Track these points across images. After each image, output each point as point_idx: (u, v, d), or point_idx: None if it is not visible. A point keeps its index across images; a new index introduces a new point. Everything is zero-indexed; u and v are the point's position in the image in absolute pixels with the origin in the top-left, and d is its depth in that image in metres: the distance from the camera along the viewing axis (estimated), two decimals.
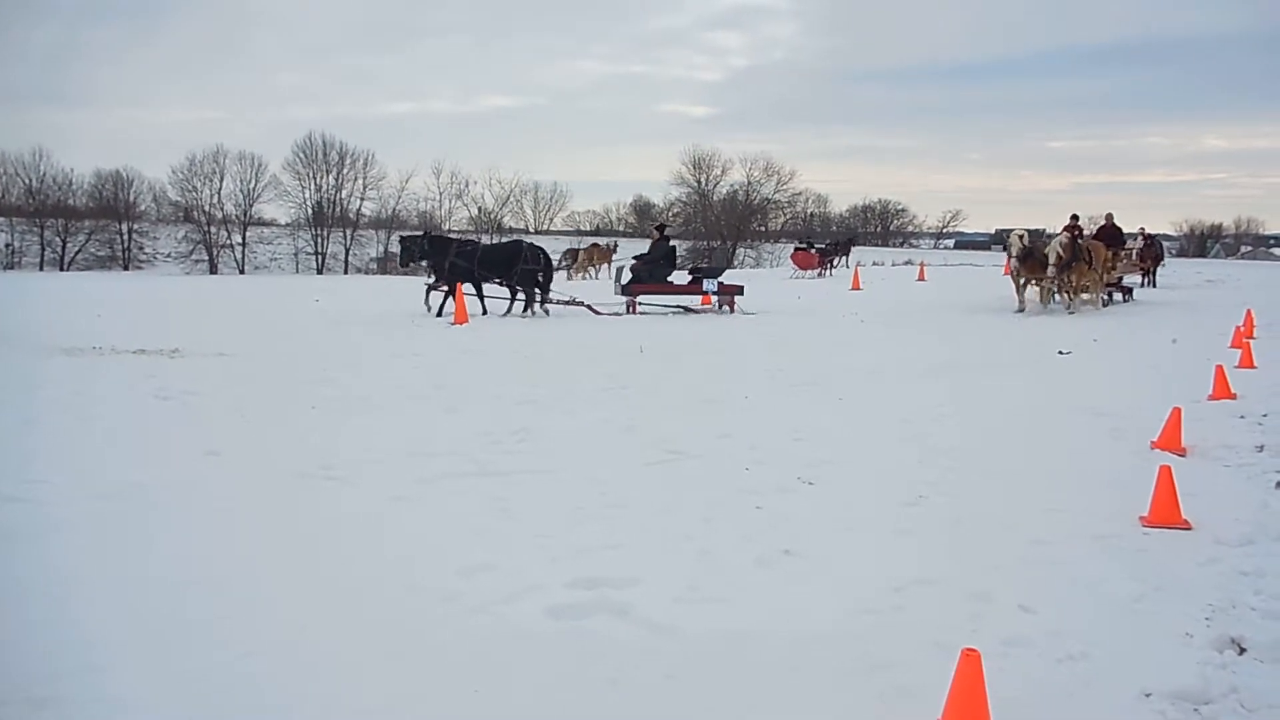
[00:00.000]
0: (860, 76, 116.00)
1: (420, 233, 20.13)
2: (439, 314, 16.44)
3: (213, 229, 61.81)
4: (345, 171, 65.99)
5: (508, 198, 73.01)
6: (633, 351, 12.17)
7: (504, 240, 20.85)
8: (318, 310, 18.07)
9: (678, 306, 17.89)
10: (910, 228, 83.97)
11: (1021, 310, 17.45)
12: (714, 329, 15.28)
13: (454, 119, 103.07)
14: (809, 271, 33.20)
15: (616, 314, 17.14)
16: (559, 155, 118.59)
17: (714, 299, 18.07)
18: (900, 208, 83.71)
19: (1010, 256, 17.89)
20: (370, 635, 3.83)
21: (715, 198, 72.75)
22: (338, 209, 66.19)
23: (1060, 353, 12.29)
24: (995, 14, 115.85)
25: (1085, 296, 18.14)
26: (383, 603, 4.15)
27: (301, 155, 65.32)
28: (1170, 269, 33.65)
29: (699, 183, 73.20)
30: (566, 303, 17.50)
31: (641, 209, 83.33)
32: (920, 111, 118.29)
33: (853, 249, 43.77)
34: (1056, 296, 18.30)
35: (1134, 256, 24.07)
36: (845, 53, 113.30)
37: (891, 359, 11.86)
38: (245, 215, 63.64)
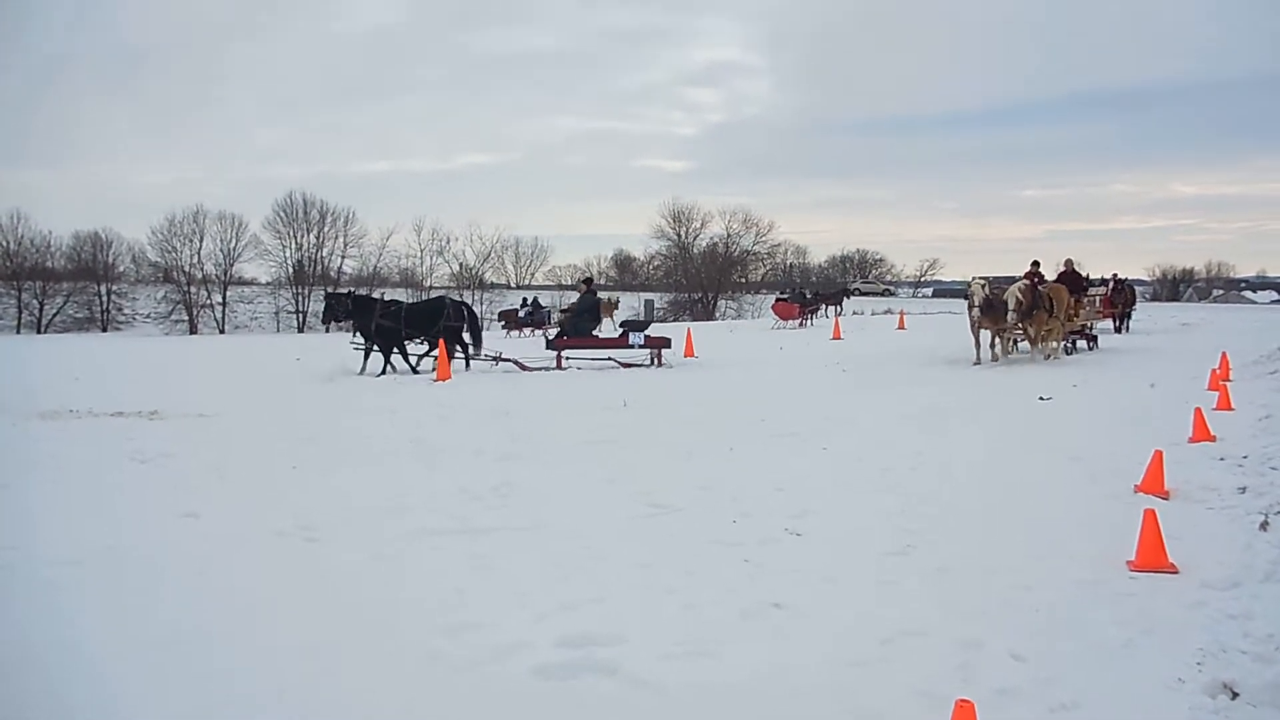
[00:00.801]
0: (833, 130, 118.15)
1: (345, 291, 20.26)
2: (361, 372, 16.44)
3: (192, 289, 61.76)
4: (326, 230, 66.38)
5: (489, 254, 73.46)
6: (614, 405, 12.14)
7: (427, 298, 20.97)
8: (299, 369, 17.98)
9: (607, 359, 17.61)
10: (889, 276, 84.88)
11: (979, 363, 16.67)
12: (692, 380, 15.28)
13: (433, 176, 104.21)
14: (790, 321, 33.44)
15: (545, 369, 16.93)
16: (539, 210, 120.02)
17: (644, 352, 17.81)
18: (878, 257, 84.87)
19: (972, 306, 16.91)
20: (353, 699, 3.75)
21: (695, 250, 73.40)
22: (319, 267, 66.36)
23: (1041, 398, 12.35)
24: (958, 67, 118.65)
25: (1052, 345, 17.63)
26: (365, 664, 4.06)
27: (282, 214, 65.69)
28: (1145, 313, 34.08)
29: (679, 235, 73.92)
30: (494, 359, 17.36)
31: (623, 262, 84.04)
32: (892, 163, 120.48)
33: (845, 300, 44.42)
34: (1020, 345, 17.78)
35: (1098, 302, 23.37)
36: (817, 107, 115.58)
37: (872, 407, 11.88)
38: (225, 275, 63.70)
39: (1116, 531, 5.66)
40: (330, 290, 21.55)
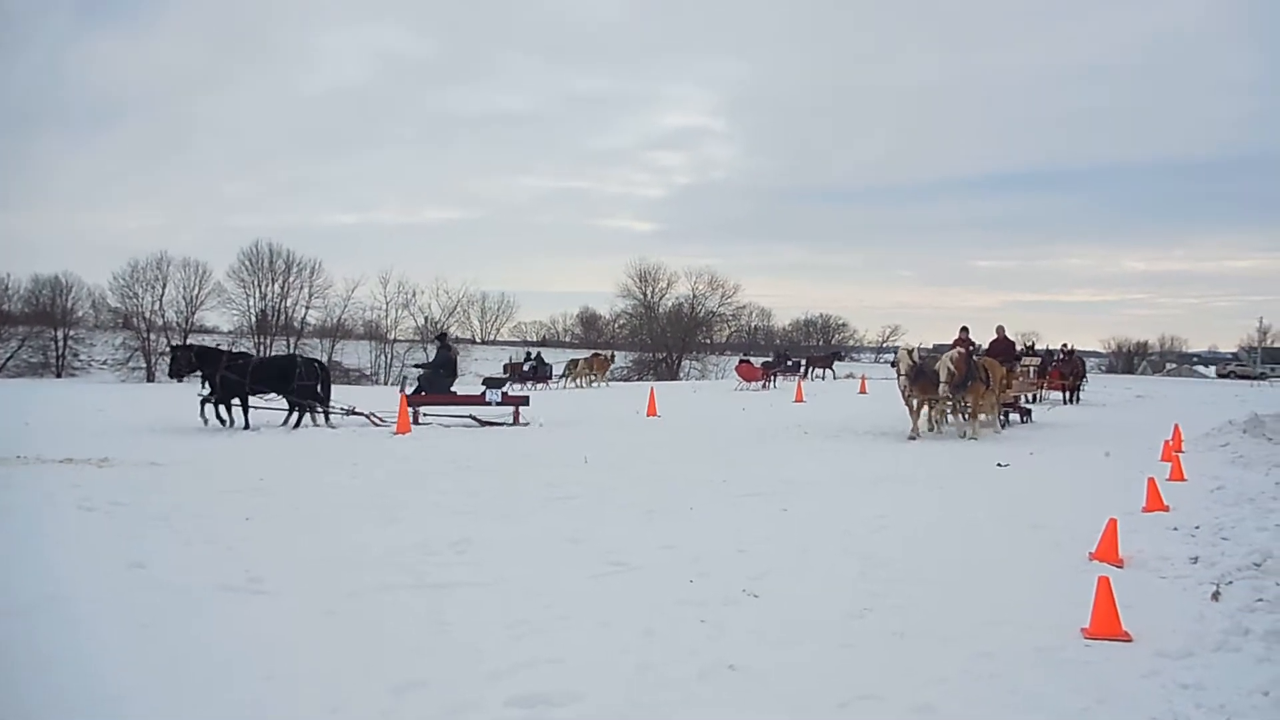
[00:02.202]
0: (797, 195, 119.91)
1: (188, 344, 20.04)
2: (205, 422, 15.91)
3: (152, 336, 60.89)
4: (291, 279, 65.93)
5: (455, 308, 73.31)
6: (575, 461, 12.08)
7: (278, 354, 20.77)
8: (255, 418, 17.65)
9: (467, 417, 17.34)
10: (851, 341, 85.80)
11: (915, 437, 15.56)
12: (654, 438, 15.27)
13: (399, 230, 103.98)
14: (753, 383, 33.63)
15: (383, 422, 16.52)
16: (505, 266, 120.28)
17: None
18: (841, 322, 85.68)
19: (899, 374, 16.00)
20: None
21: (661, 310, 73.84)
22: (282, 317, 65.80)
23: (999, 465, 12.48)
24: (913, 140, 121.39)
25: (982, 418, 16.54)
26: None
27: (247, 263, 65.15)
28: (1099, 385, 34.69)
29: (645, 295, 74.37)
30: (346, 413, 16.93)
31: (588, 320, 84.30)
32: (853, 230, 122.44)
33: (835, 363, 45.04)
34: (950, 419, 16.95)
35: (1032, 374, 22.43)
36: (781, 173, 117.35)
37: (833, 471, 11.93)
38: (187, 322, 62.89)
39: (1071, 599, 5.69)
40: (173, 344, 20.92)
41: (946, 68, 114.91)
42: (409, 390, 17.84)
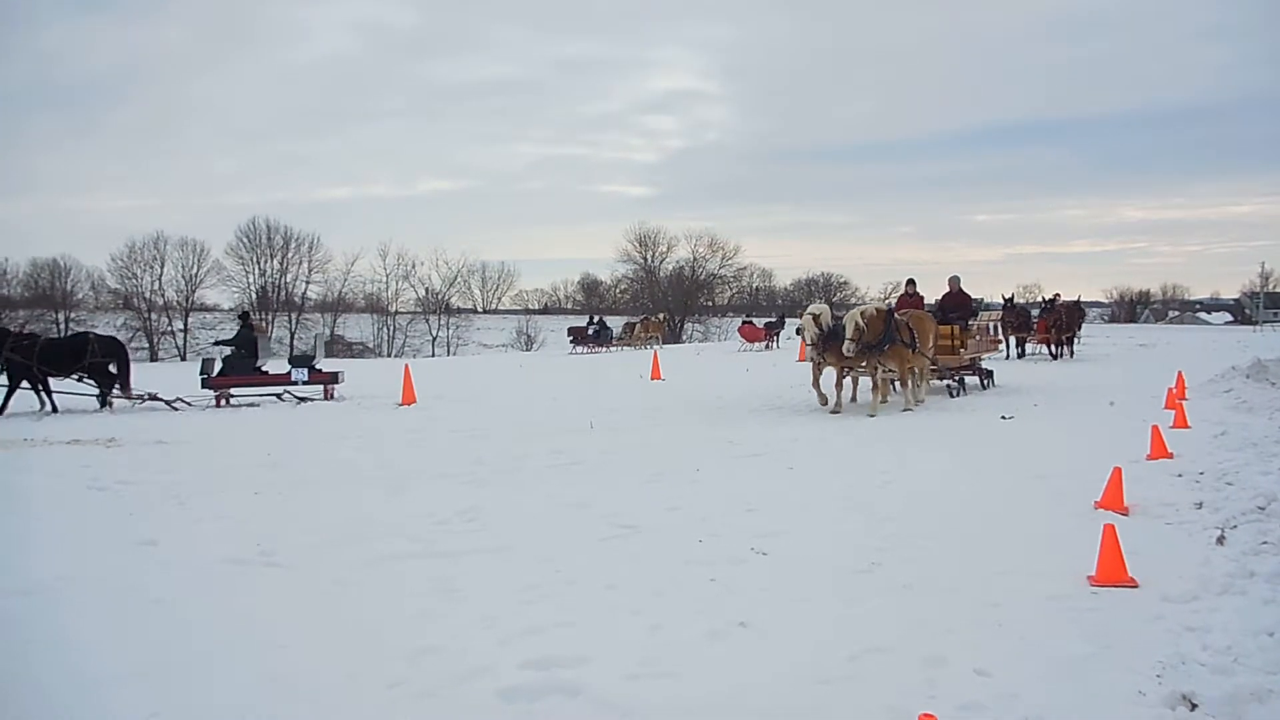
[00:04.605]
0: (791, 155, 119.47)
1: None
2: (1, 411, 15.11)
3: (153, 316, 60.91)
4: (290, 255, 65.84)
5: (455, 278, 73.27)
6: (580, 428, 12.12)
7: (70, 334, 19.55)
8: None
9: (274, 395, 16.75)
10: (854, 299, 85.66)
11: (828, 407, 13.51)
12: (658, 401, 15.28)
13: (396, 202, 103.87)
14: (756, 344, 33.66)
15: (210, 406, 16.04)
16: (504, 235, 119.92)
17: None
18: (843, 280, 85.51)
19: (805, 342, 13.69)
20: None
21: (662, 274, 73.72)
22: (283, 293, 65.78)
23: (1003, 418, 12.49)
24: (906, 96, 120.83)
25: (915, 384, 14.26)
26: (324, 692, 3.99)
27: (245, 240, 65.13)
28: (1102, 334, 34.65)
29: (645, 259, 74.26)
30: (141, 398, 16.15)
31: (589, 286, 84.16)
32: (850, 188, 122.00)
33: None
34: (896, 388, 14.76)
35: (992, 330, 18.95)
36: (775, 134, 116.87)
37: (838, 427, 11.95)
38: (187, 301, 62.92)
39: (1078, 547, 5.72)
40: None
41: (939, 23, 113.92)
42: (213, 373, 16.89)
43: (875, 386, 13.64)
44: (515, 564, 5.91)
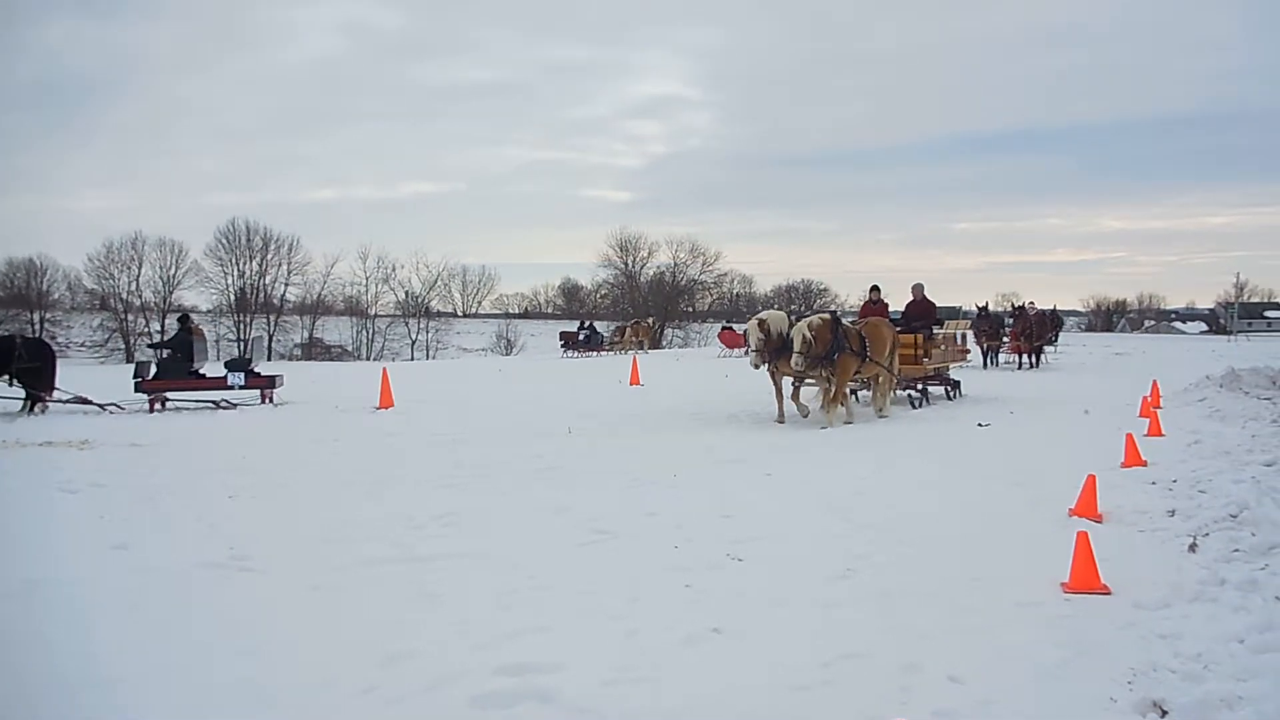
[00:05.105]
0: (774, 162, 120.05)
1: None
2: None
3: (130, 317, 60.36)
4: (270, 257, 65.43)
5: (435, 281, 73.04)
6: (559, 432, 12.09)
7: None
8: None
9: (209, 402, 16.18)
10: (833, 305, 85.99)
11: (797, 414, 13.12)
12: (637, 407, 15.28)
13: (378, 204, 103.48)
14: (736, 350, 33.72)
15: (143, 410, 15.54)
16: (485, 239, 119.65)
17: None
18: (823, 286, 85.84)
19: (750, 349, 13.03)
20: None
21: (643, 279, 73.73)
22: (261, 295, 65.33)
23: (980, 425, 12.57)
24: (890, 103, 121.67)
25: (881, 395, 13.99)
26: (296, 699, 3.96)
27: (224, 241, 64.69)
28: (1080, 343, 34.94)
29: (627, 264, 74.26)
30: (69, 400, 15.65)
31: (570, 291, 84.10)
32: (831, 195, 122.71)
33: None
34: (858, 397, 14.33)
35: (960, 339, 18.45)
36: (758, 140, 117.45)
37: (816, 434, 11.99)
38: (165, 303, 62.37)
39: (1052, 554, 5.76)
40: None
41: (922, 32, 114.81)
42: (148, 376, 16.40)
43: (831, 398, 13.03)
44: (491, 569, 5.88)
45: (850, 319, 14.92)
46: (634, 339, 40.60)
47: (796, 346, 12.42)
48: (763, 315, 13.19)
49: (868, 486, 8.41)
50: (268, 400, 16.54)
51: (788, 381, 13.39)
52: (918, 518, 7.19)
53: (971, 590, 5.36)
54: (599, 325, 45.98)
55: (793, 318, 13.38)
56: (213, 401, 16.24)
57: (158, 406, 15.84)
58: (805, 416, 13.14)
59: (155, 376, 16.46)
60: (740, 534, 6.66)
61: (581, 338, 38.82)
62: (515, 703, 3.92)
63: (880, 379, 14.00)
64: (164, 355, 17.06)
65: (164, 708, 3.85)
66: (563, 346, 38.85)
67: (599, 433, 12.26)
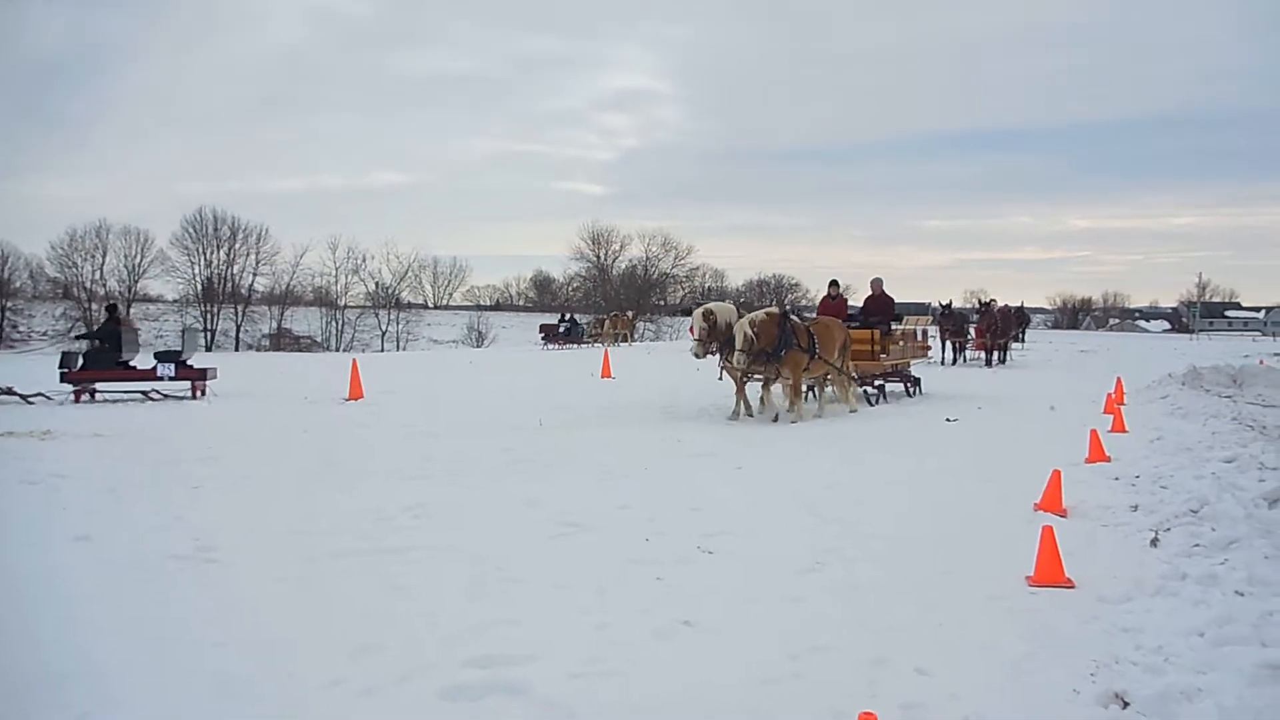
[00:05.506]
0: (744, 157, 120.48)
1: None
2: None
3: (94, 306, 59.44)
4: (238, 246, 64.67)
5: (405, 272, 72.56)
6: (530, 425, 12.06)
7: None
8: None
9: (137, 393, 15.86)
10: (804, 301, 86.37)
11: (737, 417, 12.92)
12: (608, 400, 15.27)
13: (347, 195, 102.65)
14: None
15: (69, 401, 15.16)
16: (456, 230, 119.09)
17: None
18: (794, 281, 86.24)
19: (693, 339, 13.02)
20: None
21: (615, 272, 73.73)
22: (229, 285, 64.57)
23: (948, 420, 12.69)
24: (860, 101, 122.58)
25: (843, 389, 14.01)
26: (262, 692, 3.92)
27: (191, 230, 63.88)
28: (1047, 340, 35.37)
29: (599, 257, 74.26)
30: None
31: (541, 283, 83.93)
32: (803, 191, 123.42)
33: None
34: (823, 393, 14.13)
35: (920, 335, 18.14)
36: (728, 135, 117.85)
37: (785, 430, 12.04)
38: (130, 292, 61.49)
39: (1017, 548, 5.83)
40: None
41: (894, 30, 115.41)
42: (75, 366, 15.95)
43: (784, 395, 12.92)
44: (461, 561, 5.85)
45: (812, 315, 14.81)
46: (613, 331, 40.70)
47: (738, 344, 12.34)
48: (710, 306, 13.08)
49: (837, 481, 8.47)
50: (199, 394, 16.15)
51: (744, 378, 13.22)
52: (886, 512, 7.24)
53: (939, 584, 5.41)
54: (578, 317, 46.00)
55: (743, 311, 13.25)
56: (141, 392, 15.91)
57: (84, 397, 15.55)
58: (750, 416, 13.05)
59: (82, 367, 16.09)
60: (711, 527, 6.68)
61: (562, 330, 38.86)
62: (484, 695, 3.91)
63: (832, 376, 13.91)
64: (93, 345, 16.70)
65: (130, 700, 3.80)
66: (544, 339, 38.81)
67: (570, 425, 12.24)
